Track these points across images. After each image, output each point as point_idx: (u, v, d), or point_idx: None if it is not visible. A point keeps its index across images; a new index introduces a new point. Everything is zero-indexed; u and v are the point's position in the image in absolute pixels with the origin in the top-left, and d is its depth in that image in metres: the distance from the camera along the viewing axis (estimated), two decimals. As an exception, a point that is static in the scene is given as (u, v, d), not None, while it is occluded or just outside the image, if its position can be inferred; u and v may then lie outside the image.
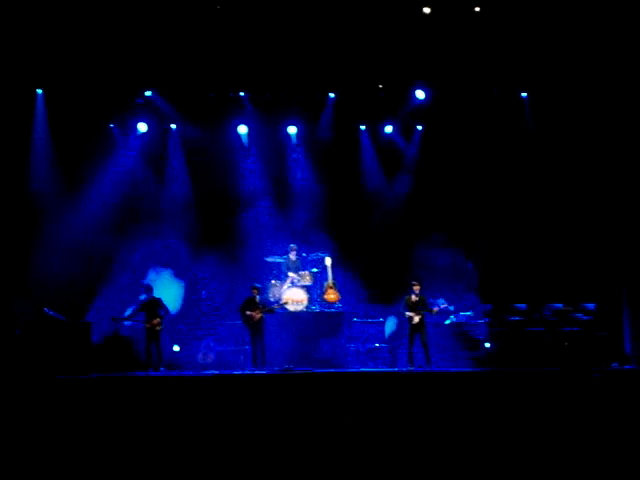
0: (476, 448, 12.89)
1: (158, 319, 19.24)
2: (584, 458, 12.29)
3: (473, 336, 20.11)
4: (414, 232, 21.93)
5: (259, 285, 19.84)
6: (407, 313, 19.19)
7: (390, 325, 20.95)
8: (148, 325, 19.18)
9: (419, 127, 22.66)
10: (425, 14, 19.80)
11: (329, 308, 20.49)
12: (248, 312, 19.24)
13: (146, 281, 20.46)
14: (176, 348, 20.61)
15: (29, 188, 20.92)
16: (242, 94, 21.82)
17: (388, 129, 22.60)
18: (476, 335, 20.12)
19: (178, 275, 21.54)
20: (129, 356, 19.51)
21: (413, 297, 19.29)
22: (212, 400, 14.72)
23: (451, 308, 20.05)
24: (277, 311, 19.81)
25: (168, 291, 20.88)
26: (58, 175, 21.19)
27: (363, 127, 22.74)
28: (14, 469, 10.62)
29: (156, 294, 19.66)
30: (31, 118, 21.01)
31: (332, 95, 22.05)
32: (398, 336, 20.42)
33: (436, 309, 19.38)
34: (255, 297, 19.39)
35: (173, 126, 22.22)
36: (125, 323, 19.87)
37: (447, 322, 20.39)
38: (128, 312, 19.86)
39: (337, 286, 20.68)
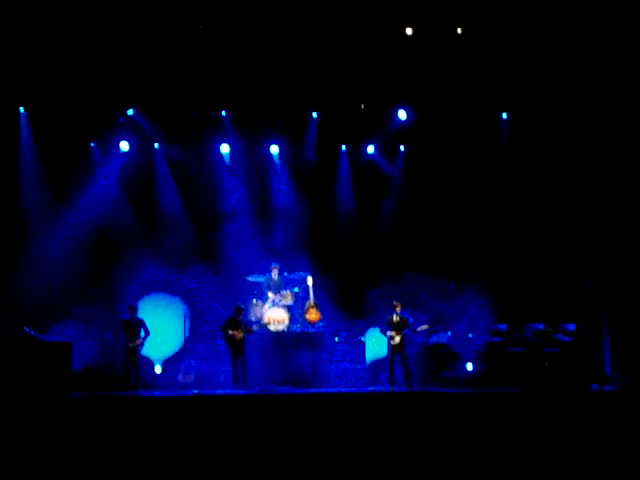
0: (455, 469, 12.89)
1: (139, 340, 19.19)
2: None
3: (454, 357, 20.14)
4: (395, 252, 22.00)
5: (243, 305, 19.81)
6: (388, 333, 19.20)
7: (373, 347, 20.98)
8: (131, 345, 19.11)
9: (402, 147, 22.71)
10: (408, 35, 19.89)
11: (310, 328, 20.46)
12: (230, 331, 19.18)
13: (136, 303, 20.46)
14: (158, 370, 20.53)
15: (18, 205, 20.91)
16: (224, 113, 21.85)
17: (370, 149, 22.62)
18: (457, 356, 20.15)
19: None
20: (106, 377, 19.43)
21: (395, 317, 19.32)
22: (192, 420, 14.66)
23: (432, 328, 20.09)
24: (257, 331, 19.77)
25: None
26: (44, 193, 21.17)
27: (344, 147, 22.77)
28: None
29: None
30: (17, 135, 21.00)
31: (315, 115, 22.08)
32: (381, 358, 20.38)
33: (418, 329, 19.42)
34: (238, 317, 19.34)
35: (156, 145, 22.18)
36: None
37: (428, 342, 20.40)
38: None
39: (319, 306, 20.65)
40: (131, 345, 19.12)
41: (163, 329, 20.75)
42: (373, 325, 20.91)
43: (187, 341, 20.73)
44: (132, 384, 18.92)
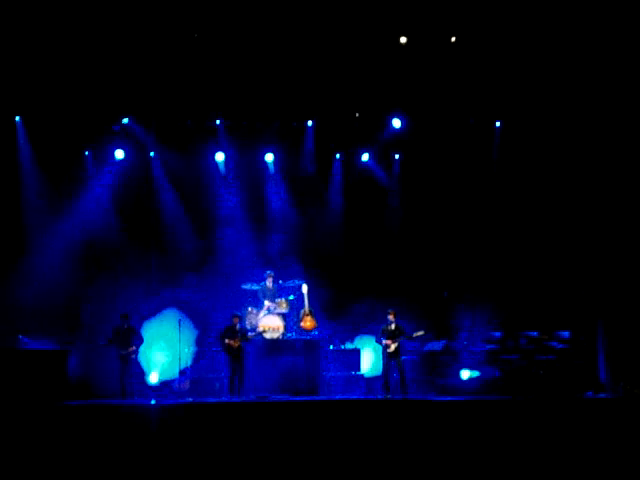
0: (449, 476, 12.92)
1: (132, 347, 19.16)
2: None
3: (449, 364, 20.16)
4: (389, 260, 22.06)
5: (239, 313, 19.83)
6: (384, 341, 19.20)
7: (370, 358, 21.02)
8: (123, 352, 19.06)
9: (396, 156, 22.76)
10: (402, 44, 19.97)
11: (305, 335, 20.48)
12: (227, 340, 19.18)
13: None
14: (153, 378, 20.48)
15: (19, 214, 21.00)
16: (218, 122, 21.90)
17: (365, 157, 22.67)
18: (452, 363, 20.16)
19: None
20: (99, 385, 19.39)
21: (389, 325, 19.31)
22: (187, 428, 14.66)
23: (426, 335, 20.08)
24: (254, 339, 19.75)
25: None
26: (43, 201, 21.24)
27: (338, 155, 22.83)
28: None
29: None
30: (15, 145, 21.08)
31: (310, 123, 22.13)
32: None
33: (414, 335, 19.38)
34: (235, 325, 19.34)
35: (151, 153, 22.20)
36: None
37: (423, 350, 20.42)
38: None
39: (313, 313, 20.68)
40: (123, 353, 19.08)
41: (165, 347, 20.82)
42: (365, 333, 20.97)
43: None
44: (125, 392, 18.88)
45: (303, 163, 22.52)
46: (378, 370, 20.28)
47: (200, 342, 21.09)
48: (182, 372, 20.16)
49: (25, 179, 21.20)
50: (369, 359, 21.06)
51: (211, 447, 13.94)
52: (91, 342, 19.70)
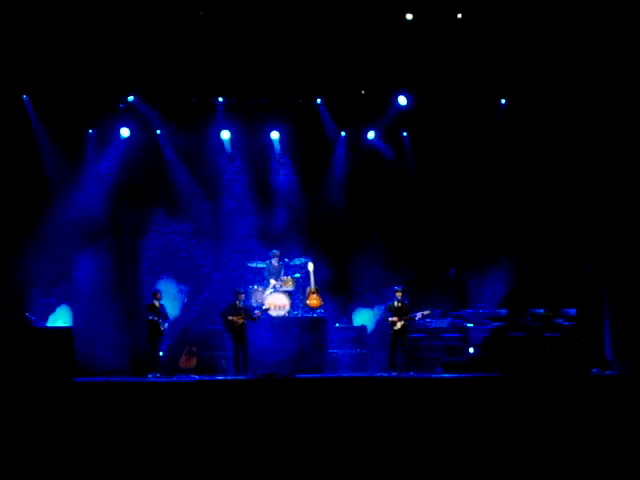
0: (454, 455, 12.95)
1: (166, 322, 19.12)
2: (562, 465, 12.38)
3: (454, 342, 20.20)
4: (396, 235, 22.02)
5: (243, 290, 19.84)
6: (390, 319, 19.23)
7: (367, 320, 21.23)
8: (162, 327, 19.03)
9: (403, 133, 22.68)
10: (408, 20, 19.88)
11: (311, 313, 20.53)
12: (230, 317, 19.21)
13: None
14: None
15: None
16: (223, 100, 21.81)
17: (370, 135, 22.60)
18: (457, 341, 20.20)
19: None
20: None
21: (396, 303, 19.33)
22: (193, 406, 14.72)
23: (432, 313, 20.13)
24: (260, 317, 19.73)
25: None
26: (57, 177, 21.42)
27: (343, 133, 22.74)
28: None
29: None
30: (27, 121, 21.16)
31: (316, 100, 22.05)
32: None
33: (419, 315, 19.40)
34: (238, 302, 19.35)
35: (157, 131, 22.15)
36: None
37: (429, 328, 20.44)
38: None
39: (319, 291, 20.75)
40: (162, 328, 19.05)
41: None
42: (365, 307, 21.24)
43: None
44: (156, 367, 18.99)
45: (308, 141, 22.45)
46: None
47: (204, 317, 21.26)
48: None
49: (43, 157, 21.31)
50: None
51: (217, 424, 13.98)
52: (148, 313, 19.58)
